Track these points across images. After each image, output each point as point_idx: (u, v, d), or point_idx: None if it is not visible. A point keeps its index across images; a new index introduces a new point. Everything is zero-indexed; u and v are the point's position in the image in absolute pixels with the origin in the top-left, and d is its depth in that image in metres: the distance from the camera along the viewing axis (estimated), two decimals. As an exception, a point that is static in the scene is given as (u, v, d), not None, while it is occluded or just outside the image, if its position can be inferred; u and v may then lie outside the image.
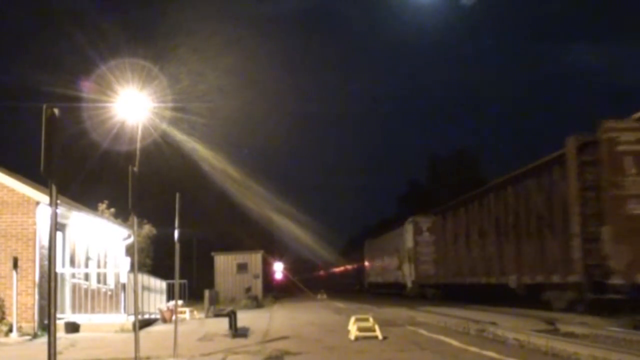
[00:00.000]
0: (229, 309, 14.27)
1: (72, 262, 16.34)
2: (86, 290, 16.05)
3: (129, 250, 21.82)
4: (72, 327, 14.05)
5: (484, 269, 22.69)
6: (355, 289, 57.50)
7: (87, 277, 16.78)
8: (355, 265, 62.10)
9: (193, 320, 18.58)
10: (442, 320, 15.15)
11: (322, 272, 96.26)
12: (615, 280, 14.39)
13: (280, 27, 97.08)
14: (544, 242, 17.72)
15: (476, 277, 23.52)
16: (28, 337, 12.85)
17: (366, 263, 51.61)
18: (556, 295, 17.02)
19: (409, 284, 33.46)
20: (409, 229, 33.80)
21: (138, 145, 19.75)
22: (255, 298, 28.81)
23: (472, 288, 24.57)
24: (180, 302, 16.91)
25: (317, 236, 70.16)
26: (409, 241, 33.54)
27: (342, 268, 76.47)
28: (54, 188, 4.69)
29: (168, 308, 18.60)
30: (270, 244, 56.85)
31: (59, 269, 14.85)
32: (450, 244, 27.41)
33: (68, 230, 16.12)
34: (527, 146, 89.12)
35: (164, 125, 30.47)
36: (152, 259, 29.24)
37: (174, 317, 12.57)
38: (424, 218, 32.78)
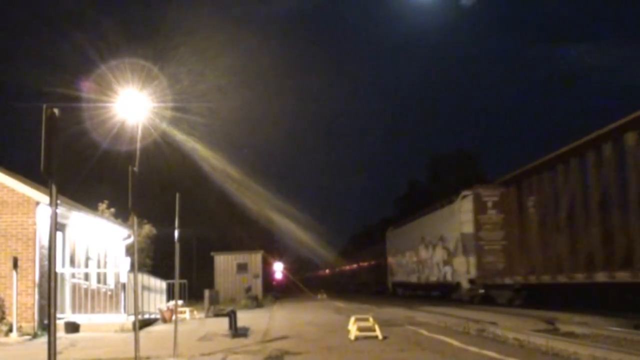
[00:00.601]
0: (229, 309, 14.27)
1: (72, 262, 16.35)
2: (86, 290, 16.06)
3: (129, 250, 21.83)
4: (72, 327, 14.06)
5: (619, 260, 14.01)
6: (373, 292, 47.35)
7: (87, 277, 16.78)
8: (372, 262, 50.36)
9: (193, 320, 18.58)
10: (442, 320, 15.15)
11: (327, 271, 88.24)
12: None
13: (280, 27, 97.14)
14: None
15: (606, 270, 14.45)
16: (28, 337, 12.85)
17: (389, 258, 40.81)
18: None
19: (465, 284, 24.35)
20: (465, 207, 23.98)
21: (138, 145, 19.74)
22: (255, 298, 28.83)
23: (580, 290, 16.90)
24: (180, 302, 16.91)
25: (317, 236, 70.16)
26: (465, 224, 23.93)
27: (354, 265, 63.46)
28: (54, 188, 4.70)
29: (168, 308, 18.60)
30: (270, 244, 56.94)
31: (59, 269, 14.86)
32: (533, 225, 19.03)
33: (68, 230, 16.12)
34: (528, 146, 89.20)
35: (164, 125, 30.46)
36: (152, 259, 29.26)
37: (174, 317, 12.57)
38: (488, 190, 22.91)
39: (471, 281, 23.68)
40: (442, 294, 28.65)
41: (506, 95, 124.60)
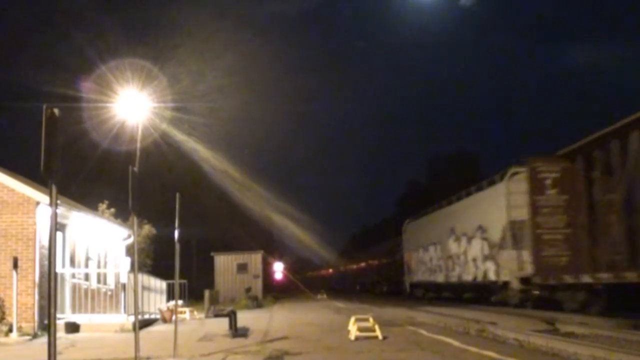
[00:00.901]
0: (229, 309, 14.27)
1: (72, 262, 16.35)
2: (86, 290, 16.05)
3: (129, 251, 21.82)
4: (72, 327, 14.05)
5: None
6: (385, 293, 43.81)
7: (87, 277, 16.78)
8: (384, 260, 45.25)
9: (193, 321, 18.58)
10: (442, 321, 15.16)
11: (330, 270, 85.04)
12: None
13: (280, 27, 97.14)
14: None
15: None
16: (28, 337, 12.85)
17: (407, 255, 35.52)
18: None
19: (515, 284, 19.57)
20: (516, 187, 19.43)
21: (138, 145, 19.75)
22: (255, 298, 28.83)
23: None
24: (180, 302, 16.92)
25: (317, 236, 70.25)
26: (516, 208, 19.37)
27: (361, 264, 57.89)
28: (54, 188, 4.70)
29: (168, 308, 18.61)
30: (271, 244, 56.97)
31: (59, 269, 14.86)
32: (613, 206, 15.05)
33: (68, 230, 16.12)
34: (528, 146, 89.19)
35: (164, 125, 30.48)
36: (152, 259, 29.27)
37: (174, 317, 12.56)
38: (546, 164, 18.14)
39: (524, 280, 18.91)
40: (477, 296, 24.17)
41: (506, 95, 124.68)
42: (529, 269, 18.38)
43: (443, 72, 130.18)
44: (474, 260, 23.63)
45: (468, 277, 24.48)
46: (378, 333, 11.18)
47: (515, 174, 19.58)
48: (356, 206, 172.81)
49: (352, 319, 11.94)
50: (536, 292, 18.78)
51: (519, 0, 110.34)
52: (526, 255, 18.64)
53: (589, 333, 11.91)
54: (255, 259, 33.28)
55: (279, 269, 53.79)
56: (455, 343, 10.21)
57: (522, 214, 18.63)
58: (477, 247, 23.31)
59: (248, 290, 30.45)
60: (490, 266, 21.90)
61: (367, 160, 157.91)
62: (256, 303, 27.83)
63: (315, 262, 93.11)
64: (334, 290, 57.96)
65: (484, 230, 22.50)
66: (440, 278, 28.55)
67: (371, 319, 11.86)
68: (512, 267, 19.54)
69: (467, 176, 58.74)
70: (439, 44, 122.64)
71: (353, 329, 11.40)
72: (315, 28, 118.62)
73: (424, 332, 12.38)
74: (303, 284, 49.59)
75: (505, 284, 20.30)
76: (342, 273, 72.55)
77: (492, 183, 22.02)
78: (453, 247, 26.34)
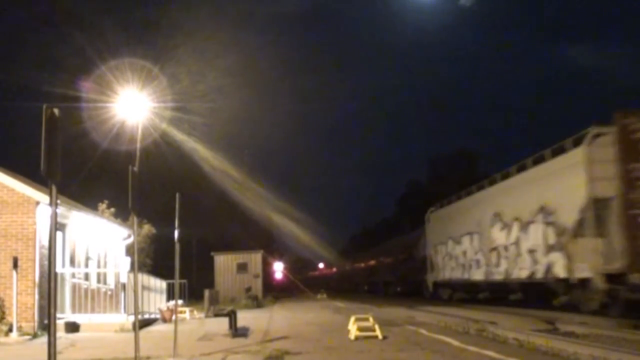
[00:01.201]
0: (229, 308, 14.27)
1: (72, 262, 16.35)
2: (86, 290, 16.06)
3: (129, 250, 21.83)
4: (72, 327, 14.06)
5: None
6: (400, 293, 39.86)
7: (87, 277, 16.79)
8: (400, 256, 39.94)
9: (193, 320, 18.58)
10: (442, 320, 15.15)
11: (334, 269, 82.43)
12: None
13: (280, 27, 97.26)
14: None
15: None
16: (28, 337, 12.85)
17: (430, 250, 30.48)
18: None
19: (598, 282, 14.76)
20: (598, 153, 15.02)
21: (138, 145, 19.75)
22: (255, 298, 28.82)
23: None
24: (180, 302, 16.92)
25: (318, 236, 70.23)
26: (599, 181, 14.86)
27: (370, 262, 52.77)
28: (54, 188, 4.70)
29: (168, 308, 18.61)
30: (270, 244, 56.91)
31: (59, 268, 14.86)
32: None
33: (68, 230, 16.12)
34: (528, 146, 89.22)
35: (164, 125, 30.44)
36: (152, 259, 29.27)
37: (173, 317, 12.56)
38: None
39: (613, 277, 14.40)
40: (531, 297, 19.84)
41: (506, 94, 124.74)
42: (619, 264, 14.22)
43: (443, 72, 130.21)
44: (532, 252, 18.53)
45: (522, 274, 19.28)
46: (378, 333, 11.18)
47: (598, 135, 14.97)
48: (356, 206, 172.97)
49: (352, 319, 11.95)
50: (632, 295, 14.09)
51: (519, 0, 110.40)
52: (617, 244, 14.33)
53: (589, 333, 11.92)
54: (255, 259, 33.27)
55: (279, 269, 53.78)
56: (455, 342, 10.22)
57: (610, 189, 14.47)
58: (537, 235, 18.17)
59: (248, 290, 30.44)
60: (557, 259, 16.90)
61: (367, 160, 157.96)
62: (256, 303, 27.82)
63: (315, 261, 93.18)
64: (337, 291, 57.48)
65: (550, 212, 17.33)
66: (477, 275, 23.50)
67: (371, 319, 11.87)
68: (593, 260, 14.91)
69: (467, 176, 58.74)
70: (439, 44, 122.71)
71: (353, 329, 11.41)
72: (315, 28, 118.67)
73: (424, 331, 12.38)
74: (304, 284, 49.57)
75: (582, 283, 15.61)
76: (347, 272, 68.17)
77: (559, 151, 16.87)
78: (499, 236, 21.10)
